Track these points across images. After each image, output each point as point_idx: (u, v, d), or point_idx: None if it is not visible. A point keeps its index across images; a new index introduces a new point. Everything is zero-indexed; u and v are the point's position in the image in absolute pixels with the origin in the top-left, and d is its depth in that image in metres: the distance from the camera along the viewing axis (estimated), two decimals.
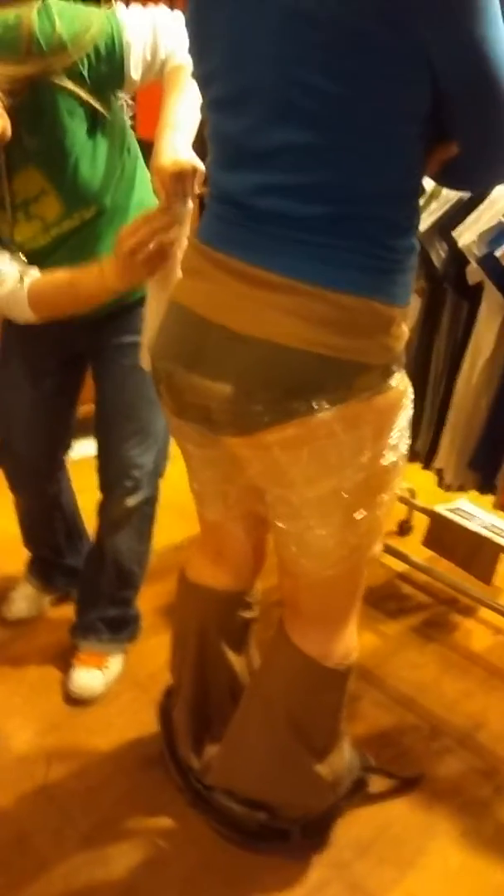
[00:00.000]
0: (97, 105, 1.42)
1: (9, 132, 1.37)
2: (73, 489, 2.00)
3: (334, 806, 1.55)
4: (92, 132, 1.45)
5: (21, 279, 1.48)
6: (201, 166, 1.35)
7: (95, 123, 1.45)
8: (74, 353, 1.76)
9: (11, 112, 1.36)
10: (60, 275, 1.48)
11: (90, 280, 1.45)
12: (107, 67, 1.40)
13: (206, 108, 1.18)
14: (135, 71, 1.44)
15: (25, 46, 1.33)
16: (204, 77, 1.16)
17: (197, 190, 1.38)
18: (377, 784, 1.65)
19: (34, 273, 1.50)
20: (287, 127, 1.05)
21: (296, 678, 1.41)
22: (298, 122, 1.04)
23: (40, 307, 1.49)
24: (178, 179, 1.33)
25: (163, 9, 1.48)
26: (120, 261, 1.39)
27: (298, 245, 1.11)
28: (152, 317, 1.41)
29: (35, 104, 1.38)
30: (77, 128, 1.43)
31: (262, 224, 1.12)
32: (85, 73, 1.38)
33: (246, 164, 1.11)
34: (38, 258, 1.53)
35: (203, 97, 1.18)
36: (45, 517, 1.97)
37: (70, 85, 1.38)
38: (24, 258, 1.52)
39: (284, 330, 1.12)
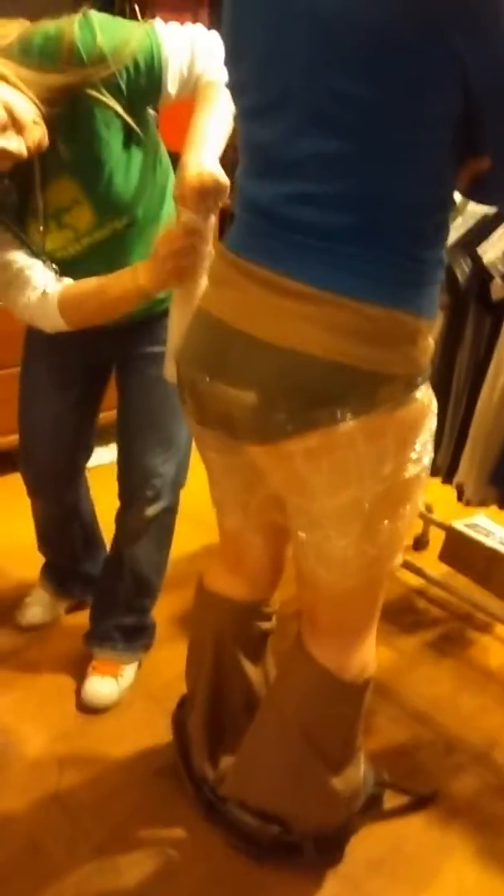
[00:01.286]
0: (132, 118, 1.44)
1: (46, 141, 1.38)
2: (92, 497, 2.01)
3: (348, 821, 1.53)
4: (126, 144, 1.47)
5: (51, 287, 1.50)
6: (225, 181, 1.35)
7: (130, 136, 1.47)
8: (100, 362, 1.77)
9: (49, 121, 1.37)
10: (90, 280, 1.49)
11: (120, 283, 1.46)
12: (146, 81, 1.42)
13: (238, 118, 1.19)
14: (172, 85, 1.45)
15: (66, 57, 1.35)
16: (236, 86, 1.17)
17: (221, 204, 1.38)
18: (392, 800, 1.64)
19: (66, 280, 1.52)
20: (317, 135, 1.06)
21: (312, 691, 1.40)
22: (329, 129, 1.05)
23: (70, 314, 1.49)
24: (201, 194, 1.34)
25: (200, 27, 1.50)
26: (155, 263, 1.41)
27: (325, 254, 1.11)
28: (175, 328, 1.42)
29: (73, 114, 1.40)
30: (112, 139, 1.44)
31: (290, 233, 1.12)
32: (123, 85, 1.40)
33: (275, 172, 1.12)
34: (68, 267, 1.54)
35: (235, 107, 1.20)
36: (64, 524, 1.97)
37: (107, 97, 1.39)
38: (55, 267, 1.53)
39: (309, 338, 1.12)
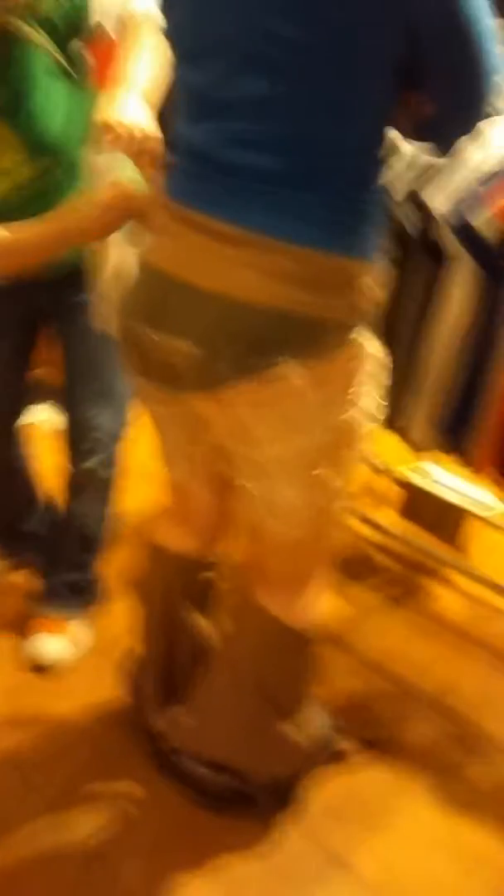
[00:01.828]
0: (58, 51, 1.39)
1: None
2: (29, 454, 1.97)
3: (303, 769, 1.54)
4: (52, 78, 1.42)
5: None
6: (149, 131, 1.29)
7: (57, 70, 1.42)
8: (32, 313, 1.73)
9: None
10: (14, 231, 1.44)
11: (46, 234, 1.38)
12: (69, 10, 1.38)
13: (175, 62, 1.16)
14: (99, 16, 1.41)
15: None
16: (172, 31, 1.14)
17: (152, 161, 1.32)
18: (347, 746, 1.65)
19: None
20: (253, 76, 1.03)
21: (263, 640, 1.39)
22: (264, 71, 1.03)
23: None
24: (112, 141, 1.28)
25: None
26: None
27: (262, 197, 1.08)
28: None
29: (1, 54, 1.35)
30: (38, 72, 1.40)
31: (226, 176, 1.10)
32: (47, 16, 1.36)
33: (211, 115, 1.10)
34: (4, 211, 1.48)
35: (172, 51, 1.16)
36: (2, 481, 1.94)
37: (32, 28, 1.35)
38: None
39: (248, 285, 1.10)
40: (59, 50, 1.39)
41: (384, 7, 0.97)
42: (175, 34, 1.14)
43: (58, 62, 1.40)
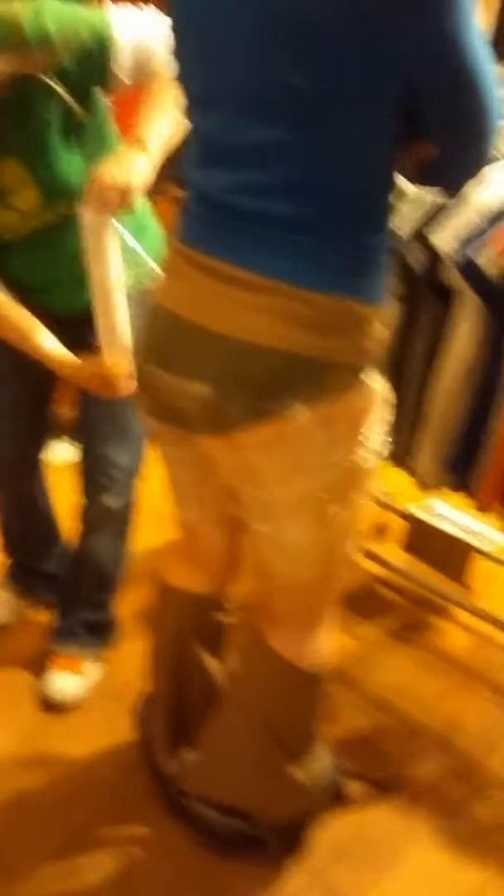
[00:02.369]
0: (77, 104, 1.43)
1: None
2: (50, 493, 1.98)
3: (311, 811, 1.53)
4: (74, 129, 1.46)
5: None
6: (132, 184, 1.37)
7: (77, 121, 1.46)
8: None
9: None
10: (20, 314, 1.54)
11: (40, 341, 1.54)
12: (92, 67, 1.42)
13: (184, 108, 1.18)
14: (120, 72, 1.44)
15: (15, 42, 1.34)
16: (182, 76, 1.16)
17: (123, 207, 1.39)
18: (354, 788, 1.64)
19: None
20: (259, 124, 1.05)
21: (272, 681, 1.39)
22: (271, 118, 1.04)
23: None
24: (100, 191, 1.36)
25: (153, 14, 1.48)
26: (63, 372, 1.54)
27: (272, 243, 1.10)
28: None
29: (19, 96, 1.39)
30: (59, 123, 1.43)
31: (236, 222, 1.11)
32: (70, 70, 1.39)
33: (220, 162, 1.11)
34: (14, 250, 1.54)
35: (182, 96, 1.18)
36: (23, 518, 1.96)
37: (54, 82, 1.39)
38: None
39: (259, 328, 1.11)
40: (78, 99, 1.43)
41: (384, 55, 0.98)
42: (185, 80, 1.16)
43: (76, 112, 1.44)
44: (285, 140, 1.05)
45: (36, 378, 1.76)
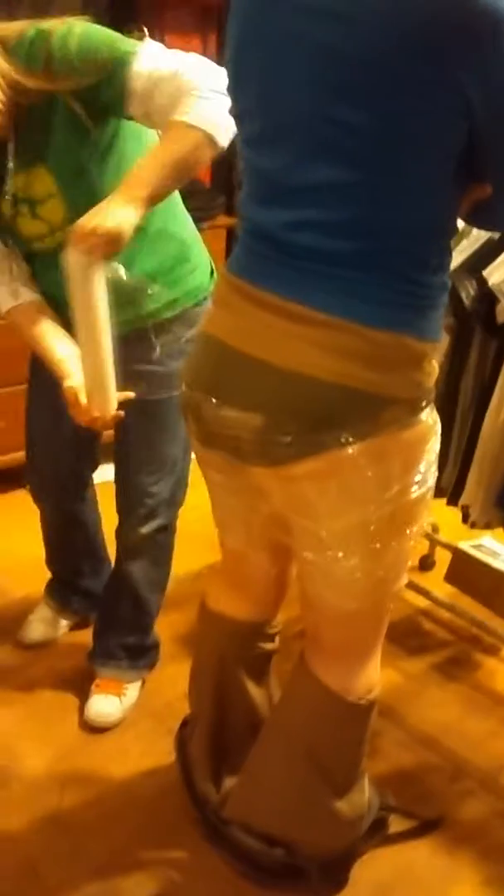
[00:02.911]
0: (97, 124, 1.44)
1: (5, 130, 1.42)
2: (99, 512, 2.00)
3: (353, 846, 1.51)
4: (101, 148, 1.47)
5: (6, 305, 1.60)
6: (121, 233, 1.32)
7: (104, 141, 1.47)
8: None
9: (24, 112, 1.40)
10: (39, 324, 1.58)
11: (51, 356, 1.56)
12: (107, 96, 1.40)
13: (240, 145, 1.20)
14: (133, 107, 1.41)
15: (43, 63, 1.37)
16: (240, 114, 1.18)
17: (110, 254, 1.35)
18: (398, 825, 1.62)
19: (24, 297, 1.59)
20: (323, 164, 1.07)
21: (317, 712, 1.39)
22: (335, 159, 1.06)
23: (16, 330, 1.61)
24: (82, 238, 1.32)
25: (197, 59, 1.41)
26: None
27: (331, 280, 1.12)
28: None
29: (48, 110, 1.42)
30: (83, 141, 1.45)
31: (296, 259, 1.13)
32: (89, 93, 1.40)
33: (279, 199, 1.13)
34: (46, 261, 1.55)
35: (238, 133, 1.21)
36: (65, 533, 1.98)
37: (75, 102, 1.40)
38: (27, 268, 1.60)
39: (315, 361, 1.12)
40: (93, 118, 1.43)
41: (441, 93, 0.99)
42: (241, 117, 1.18)
43: (91, 130, 1.45)
44: (347, 179, 1.06)
45: None
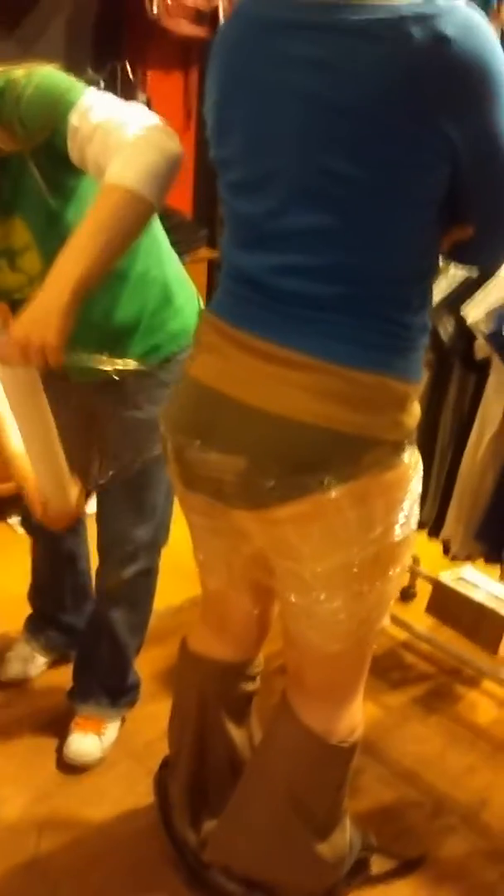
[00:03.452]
0: (56, 174, 1.38)
1: None
2: (87, 547, 1.98)
3: (335, 887, 1.50)
4: (68, 196, 1.43)
5: None
6: (52, 346, 1.20)
7: (70, 187, 1.42)
8: (86, 411, 1.73)
9: None
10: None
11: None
12: (58, 141, 1.33)
13: (222, 190, 1.20)
14: (73, 152, 1.33)
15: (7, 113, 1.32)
16: (223, 160, 1.18)
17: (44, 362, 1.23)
18: (379, 864, 1.60)
19: None
20: (305, 210, 1.08)
21: (299, 754, 1.37)
22: (317, 205, 1.07)
23: None
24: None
25: (135, 106, 1.34)
26: None
27: (314, 323, 1.12)
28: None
29: (18, 160, 1.37)
30: (53, 190, 1.40)
31: (279, 303, 1.13)
32: (52, 142, 1.34)
33: (262, 244, 1.14)
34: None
35: (221, 179, 1.20)
36: (58, 568, 1.96)
37: (30, 159, 1.36)
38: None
39: (299, 405, 1.13)
40: (46, 170, 1.38)
41: (426, 143, 1.01)
42: (224, 163, 1.18)
43: (45, 181, 1.40)
44: (331, 226, 1.07)
45: (81, 431, 1.76)
